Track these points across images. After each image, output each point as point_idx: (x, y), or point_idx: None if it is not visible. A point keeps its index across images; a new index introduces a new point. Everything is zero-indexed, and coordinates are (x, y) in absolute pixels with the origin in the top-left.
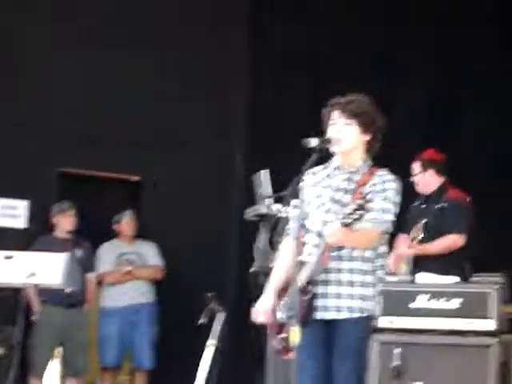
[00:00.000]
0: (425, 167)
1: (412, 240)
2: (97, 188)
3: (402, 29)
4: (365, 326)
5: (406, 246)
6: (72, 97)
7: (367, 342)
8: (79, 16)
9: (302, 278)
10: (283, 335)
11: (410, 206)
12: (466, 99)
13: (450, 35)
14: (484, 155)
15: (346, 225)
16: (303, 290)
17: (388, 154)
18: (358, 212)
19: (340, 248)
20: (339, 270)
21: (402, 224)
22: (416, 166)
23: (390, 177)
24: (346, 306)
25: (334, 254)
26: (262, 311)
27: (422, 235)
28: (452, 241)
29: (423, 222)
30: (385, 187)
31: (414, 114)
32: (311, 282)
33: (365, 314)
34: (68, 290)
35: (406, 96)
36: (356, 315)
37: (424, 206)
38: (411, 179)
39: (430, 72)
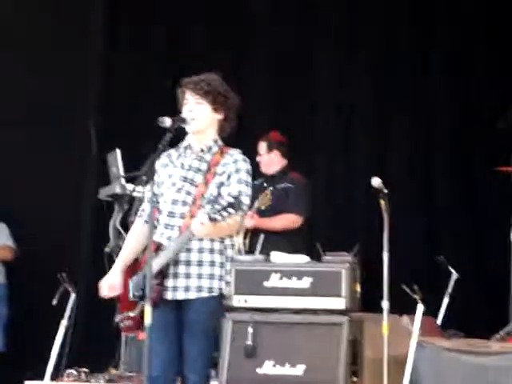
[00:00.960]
0: (270, 148)
1: (258, 208)
2: None
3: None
4: (214, 306)
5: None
6: None
7: (217, 321)
8: None
9: (159, 261)
10: (131, 313)
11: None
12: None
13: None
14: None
15: (214, 219)
16: (159, 273)
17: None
18: (230, 210)
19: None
20: (188, 250)
21: None
22: (262, 147)
23: (241, 156)
24: (194, 286)
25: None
26: (107, 286)
27: (270, 203)
28: (291, 221)
29: (269, 190)
30: (238, 167)
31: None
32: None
33: (214, 294)
34: None
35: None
36: (205, 295)
37: (266, 185)
38: (257, 159)
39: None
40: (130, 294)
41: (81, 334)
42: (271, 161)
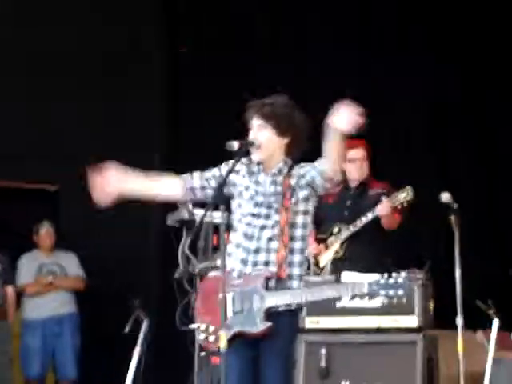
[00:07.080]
0: (368, 155)
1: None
2: (13, 199)
3: None
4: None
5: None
6: None
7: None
8: None
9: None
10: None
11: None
12: None
13: None
14: None
15: None
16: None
17: None
18: None
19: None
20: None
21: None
22: (360, 152)
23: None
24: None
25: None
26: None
27: None
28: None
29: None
30: (303, 166)
31: None
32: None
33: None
34: None
35: None
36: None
37: (355, 191)
38: (352, 164)
39: None
40: (230, 309)
41: (153, 361)
42: (367, 169)
